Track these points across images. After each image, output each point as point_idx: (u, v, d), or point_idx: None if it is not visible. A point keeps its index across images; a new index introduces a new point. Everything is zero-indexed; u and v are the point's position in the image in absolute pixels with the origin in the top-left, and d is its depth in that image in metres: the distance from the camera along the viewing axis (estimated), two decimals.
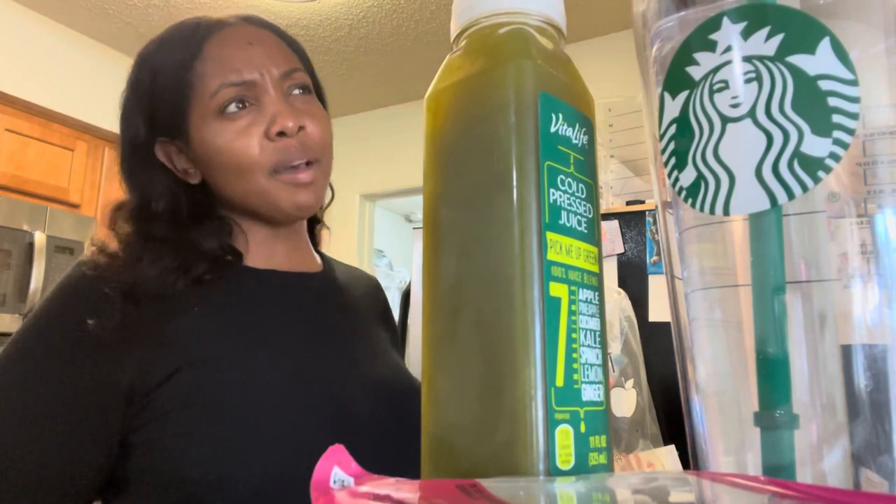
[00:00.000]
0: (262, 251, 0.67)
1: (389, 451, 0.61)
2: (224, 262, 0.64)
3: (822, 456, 0.24)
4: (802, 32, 0.23)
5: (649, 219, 2.01)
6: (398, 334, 0.83)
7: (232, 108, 0.61)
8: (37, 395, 0.55)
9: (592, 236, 0.28)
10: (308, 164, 0.63)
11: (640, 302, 1.96)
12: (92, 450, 0.56)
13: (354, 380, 0.63)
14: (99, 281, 0.58)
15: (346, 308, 0.73)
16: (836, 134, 0.23)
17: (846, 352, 0.24)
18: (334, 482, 0.21)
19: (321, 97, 0.71)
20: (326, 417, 0.59)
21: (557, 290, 0.25)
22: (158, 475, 0.55)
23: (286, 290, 0.67)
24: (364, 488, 0.20)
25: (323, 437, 0.57)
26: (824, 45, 0.23)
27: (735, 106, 0.24)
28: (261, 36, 0.65)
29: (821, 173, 0.23)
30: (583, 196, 0.28)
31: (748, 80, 0.24)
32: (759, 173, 0.24)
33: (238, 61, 0.62)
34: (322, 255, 0.78)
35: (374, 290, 0.82)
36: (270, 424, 0.56)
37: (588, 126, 0.29)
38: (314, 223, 0.80)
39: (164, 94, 0.63)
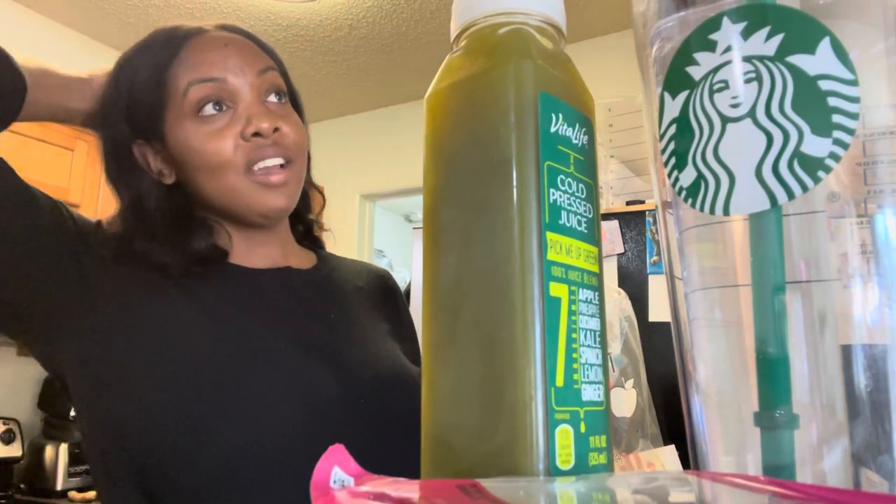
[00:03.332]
0: (241, 251, 0.69)
1: (365, 435, 0.61)
2: (212, 259, 0.65)
3: (822, 456, 0.24)
4: (802, 32, 0.23)
5: (649, 219, 2.01)
6: (407, 326, 0.82)
7: (208, 109, 0.63)
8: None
9: (592, 236, 0.28)
10: (282, 165, 0.64)
11: (640, 302, 1.96)
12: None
13: (328, 363, 0.64)
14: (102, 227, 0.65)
15: (333, 301, 0.73)
16: (836, 134, 0.23)
17: (846, 352, 0.24)
18: (334, 482, 0.21)
19: (298, 106, 0.72)
20: (295, 397, 0.60)
21: (557, 290, 0.25)
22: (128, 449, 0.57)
23: (264, 284, 0.68)
24: (364, 488, 0.20)
25: (290, 416, 0.59)
26: (824, 45, 0.23)
27: (735, 106, 0.24)
28: (236, 39, 0.67)
29: (821, 173, 0.23)
30: (583, 196, 0.28)
31: (748, 80, 0.24)
32: (759, 173, 0.24)
33: (210, 61, 0.64)
34: (320, 254, 0.79)
35: (379, 282, 0.82)
36: (236, 401, 0.57)
37: (588, 126, 0.29)
38: (305, 224, 0.80)
39: (141, 95, 0.65)
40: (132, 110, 0.65)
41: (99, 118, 0.67)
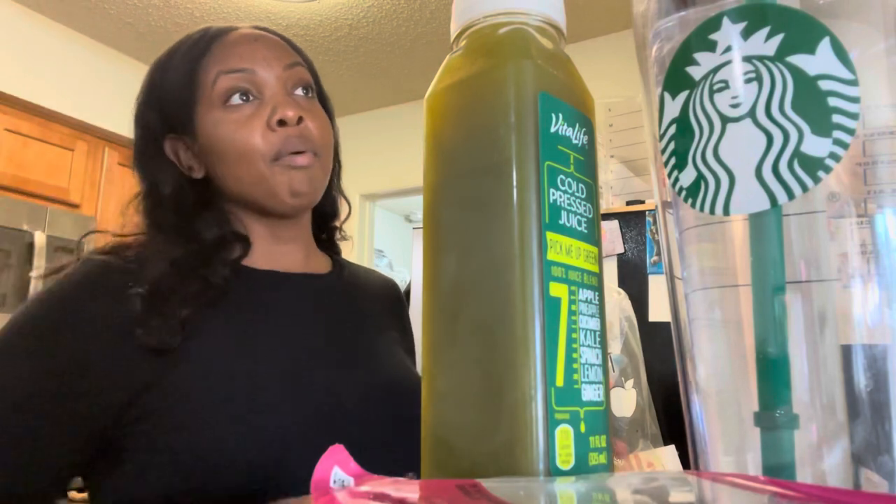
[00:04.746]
0: (264, 251, 0.68)
1: (379, 449, 0.61)
2: (233, 268, 0.65)
3: (822, 456, 0.24)
4: (802, 32, 0.23)
5: (649, 219, 2.01)
6: (410, 337, 0.83)
7: (235, 99, 0.64)
8: (26, 371, 0.56)
9: (592, 236, 0.28)
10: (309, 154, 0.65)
11: (640, 302, 1.96)
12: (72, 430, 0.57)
13: (346, 376, 0.64)
14: (119, 273, 0.60)
15: (350, 308, 0.73)
16: (836, 134, 0.23)
17: (846, 352, 0.24)
18: (334, 482, 0.21)
19: (326, 105, 0.74)
20: (313, 412, 0.60)
21: (557, 290, 0.25)
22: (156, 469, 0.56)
23: (286, 289, 0.68)
24: (364, 488, 0.20)
25: (308, 431, 0.58)
26: (824, 45, 0.23)
27: (735, 106, 0.24)
28: (266, 36, 0.69)
29: (821, 173, 0.23)
30: (583, 196, 0.28)
31: (748, 80, 0.24)
32: (759, 173, 0.24)
33: (239, 54, 0.65)
34: (336, 260, 0.79)
35: (390, 292, 0.83)
36: (255, 418, 0.57)
37: (588, 126, 0.29)
38: (329, 232, 0.81)
39: (173, 90, 0.66)
40: (164, 105, 0.67)
41: (134, 117, 0.69)
